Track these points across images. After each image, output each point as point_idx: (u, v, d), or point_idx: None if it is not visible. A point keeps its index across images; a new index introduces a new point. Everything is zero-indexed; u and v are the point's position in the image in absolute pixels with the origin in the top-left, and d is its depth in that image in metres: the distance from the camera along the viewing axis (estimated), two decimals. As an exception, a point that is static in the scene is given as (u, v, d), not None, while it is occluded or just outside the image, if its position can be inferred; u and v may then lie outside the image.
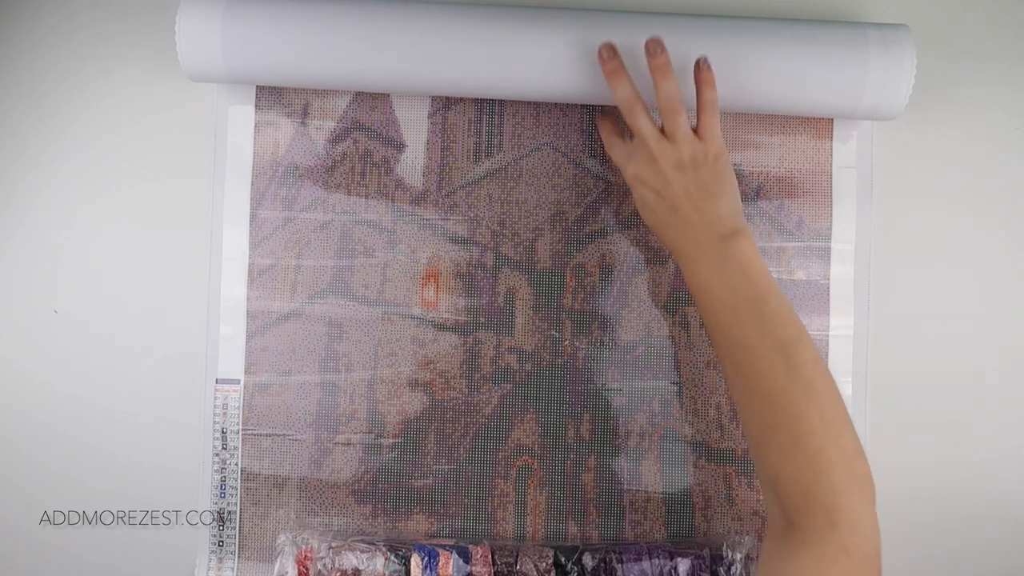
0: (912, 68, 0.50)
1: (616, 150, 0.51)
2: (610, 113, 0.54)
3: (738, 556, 0.53)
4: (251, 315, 0.56)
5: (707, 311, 0.47)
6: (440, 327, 0.56)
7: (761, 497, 0.55)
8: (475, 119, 0.56)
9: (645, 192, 0.49)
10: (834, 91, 0.51)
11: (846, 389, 0.56)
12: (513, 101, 0.56)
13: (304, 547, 0.53)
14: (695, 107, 0.49)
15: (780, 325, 0.45)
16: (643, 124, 0.48)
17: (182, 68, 0.51)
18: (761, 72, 0.50)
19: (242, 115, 0.56)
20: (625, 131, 0.51)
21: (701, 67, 0.48)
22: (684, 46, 0.49)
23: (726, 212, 0.47)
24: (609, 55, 0.48)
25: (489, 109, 0.56)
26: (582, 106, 0.56)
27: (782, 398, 0.43)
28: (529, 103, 0.56)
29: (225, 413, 0.56)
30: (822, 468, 0.42)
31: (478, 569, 0.52)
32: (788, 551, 0.42)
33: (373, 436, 0.56)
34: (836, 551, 0.41)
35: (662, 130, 0.48)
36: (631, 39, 0.49)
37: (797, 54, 0.50)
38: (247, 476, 0.56)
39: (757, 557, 0.52)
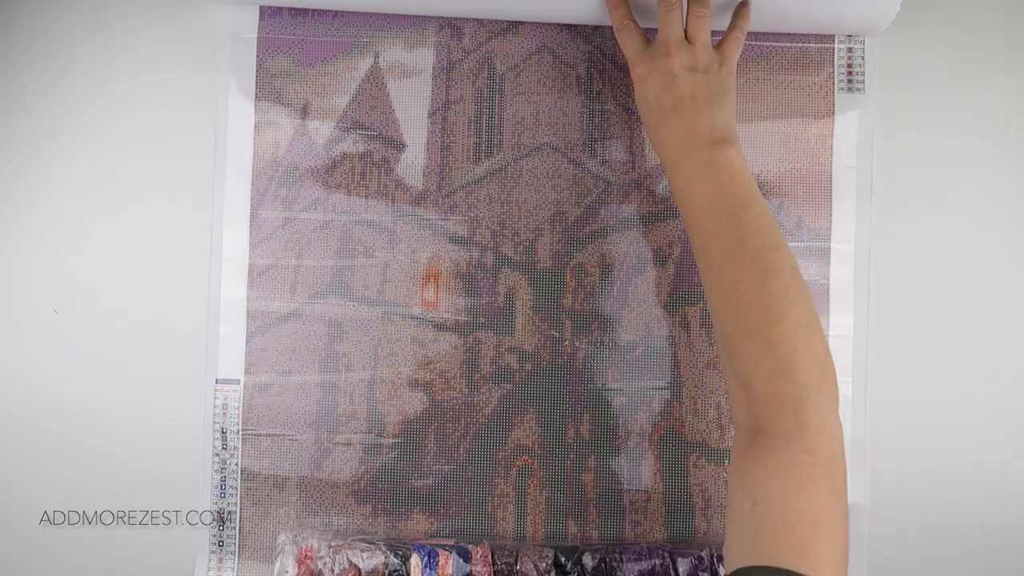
0: None
1: (629, 40, 0.51)
2: None
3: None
4: (251, 315, 0.56)
5: (690, 216, 0.48)
6: (440, 327, 0.56)
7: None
8: (475, 119, 0.56)
9: (651, 89, 0.49)
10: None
11: (846, 389, 0.56)
12: (513, 101, 0.56)
13: (304, 547, 0.53)
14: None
15: (760, 232, 0.45)
16: (674, 21, 0.49)
17: None
18: None
19: (242, 115, 0.56)
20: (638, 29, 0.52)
21: (743, 9, 0.51)
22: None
23: (722, 122, 0.48)
24: None
25: (489, 109, 0.57)
26: (582, 106, 0.56)
27: (757, 302, 0.44)
28: (529, 103, 0.56)
29: (225, 413, 0.56)
30: (793, 370, 0.42)
31: (478, 569, 0.52)
32: (756, 457, 0.43)
33: (373, 436, 0.56)
34: (803, 452, 0.41)
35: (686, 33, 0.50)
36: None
37: None
38: (247, 476, 0.56)
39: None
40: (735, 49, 0.51)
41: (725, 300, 0.45)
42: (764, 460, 0.42)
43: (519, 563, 0.53)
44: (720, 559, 0.53)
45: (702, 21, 0.49)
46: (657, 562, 0.53)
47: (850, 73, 0.57)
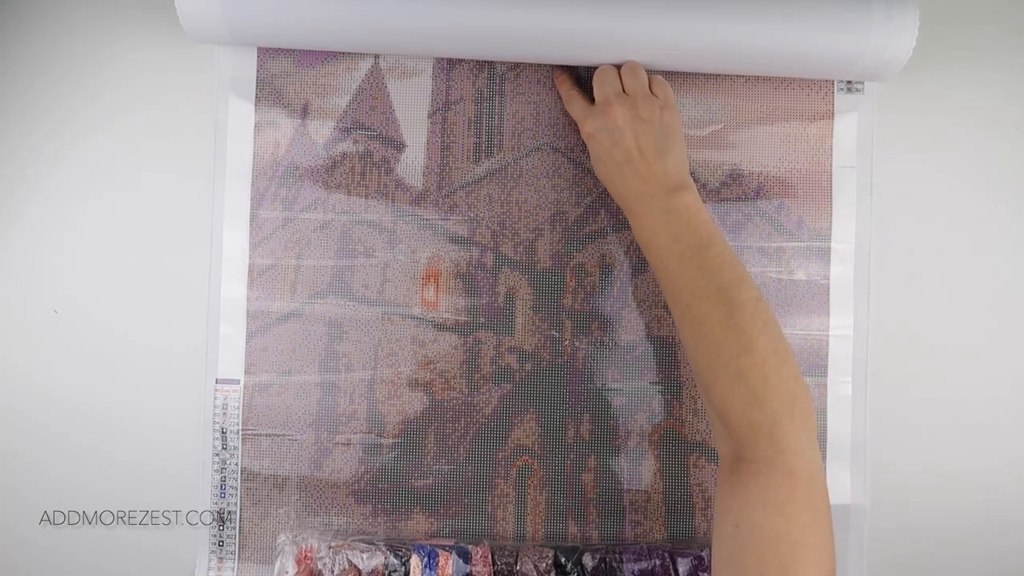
0: (916, 19, 0.50)
1: (576, 105, 0.54)
2: (567, 71, 0.55)
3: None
4: (251, 315, 0.56)
5: (655, 259, 0.50)
6: (440, 327, 0.56)
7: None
8: (475, 119, 0.56)
9: (600, 146, 0.51)
10: (838, 37, 0.51)
11: (846, 389, 0.56)
12: (513, 101, 0.56)
13: (304, 547, 0.53)
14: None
15: (723, 268, 0.47)
16: (608, 82, 0.51)
17: (181, 23, 0.50)
18: (763, 22, 0.51)
19: (242, 115, 0.56)
20: (584, 92, 0.54)
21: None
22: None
23: (673, 169, 0.50)
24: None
25: (489, 109, 0.57)
26: (582, 106, 0.56)
27: (725, 336, 0.45)
28: (529, 103, 0.56)
29: (225, 413, 0.56)
30: (764, 398, 0.44)
31: (478, 569, 0.52)
32: (738, 483, 0.44)
33: (373, 436, 0.56)
34: (782, 475, 0.42)
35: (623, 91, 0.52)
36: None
37: (801, 4, 0.51)
38: (247, 476, 0.56)
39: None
40: (666, 89, 0.52)
41: (695, 336, 0.47)
42: (746, 484, 0.43)
43: (519, 563, 0.53)
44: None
45: (634, 71, 0.51)
46: (657, 562, 0.53)
47: (850, 73, 0.57)
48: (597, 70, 0.52)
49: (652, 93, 0.51)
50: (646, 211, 0.49)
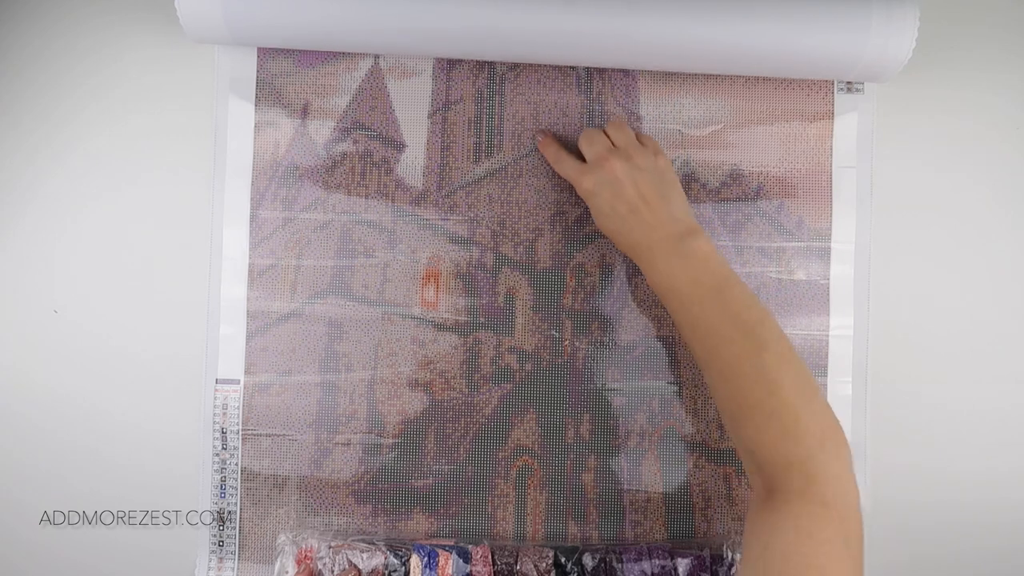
0: (915, 21, 0.50)
1: (566, 165, 0.53)
2: (548, 134, 0.55)
3: (738, 556, 0.53)
4: (251, 315, 0.56)
5: (676, 305, 0.49)
6: (440, 327, 0.56)
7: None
8: (475, 119, 0.56)
9: (602, 200, 0.51)
10: (837, 39, 0.51)
11: (846, 389, 0.56)
12: (513, 101, 0.56)
13: (304, 547, 0.53)
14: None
15: (744, 309, 0.47)
16: (597, 140, 0.52)
17: (181, 23, 0.50)
18: (763, 24, 0.50)
19: (242, 115, 0.56)
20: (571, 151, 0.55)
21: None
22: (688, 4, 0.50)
23: (680, 213, 0.50)
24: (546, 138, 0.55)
25: (489, 109, 0.57)
26: (582, 106, 0.56)
27: (754, 376, 0.45)
28: (529, 103, 0.56)
29: (225, 413, 0.56)
30: (797, 434, 0.44)
31: (478, 569, 0.52)
32: (770, 513, 0.44)
33: (373, 436, 0.56)
34: (815, 505, 0.42)
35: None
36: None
37: (800, 6, 0.50)
38: (247, 476, 0.56)
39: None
40: (652, 139, 0.53)
41: (724, 378, 0.47)
42: (778, 510, 0.43)
43: (519, 563, 0.53)
44: (720, 559, 0.53)
45: (620, 126, 0.52)
46: (657, 562, 0.53)
47: (850, 73, 0.57)
48: (583, 132, 0.53)
49: (640, 143, 0.52)
50: (660, 258, 0.49)
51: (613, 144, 0.52)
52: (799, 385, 0.45)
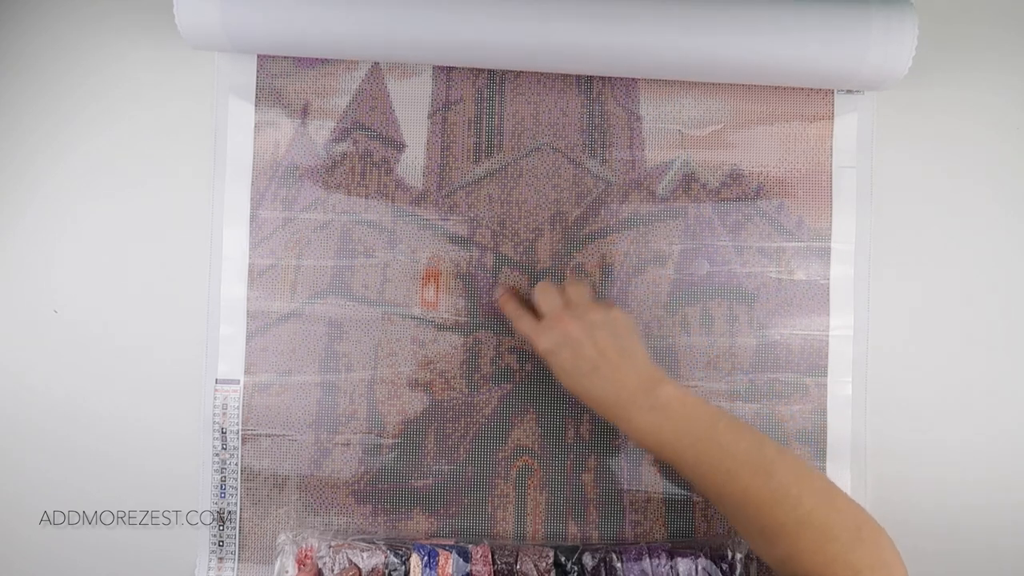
0: (914, 34, 0.50)
1: (525, 323, 0.52)
2: (509, 291, 0.54)
3: (738, 556, 0.53)
4: (251, 315, 0.56)
5: (670, 456, 0.48)
6: (440, 327, 0.56)
7: None
8: (475, 119, 0.57)
9: (562, 359, 0.49)
10: (837, 51, 0.51)
11: (846, 389, 0.56)
12: (513, 101, 0.56)
13: (304, 547, 0.53)
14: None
15: (739, 437, 0.47)
16: (551, 297, 0.51)
17: (180, 32, 0.50)
18: (763, 35, 0.50)
19: (242, 115, 0.56)
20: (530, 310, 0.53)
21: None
22: (689, 11, 0.50)
23: (642, 364, 0.49)
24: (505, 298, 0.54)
25: (489, 109, 0.57)
26: (582, 106, 0.56)
27: (773, 500, 0.45)
28: (529, 103, 0.56)
29: (225, 413, 0.56)
30: (832, 533, 0.44)
31: (478, 569, 0.52)
32: None
33: (373, 436, 0.56)
34: None
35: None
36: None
37: (800, 19, 0.50)
38: (247, 476, 0.56)
39: (757, 558, 0.52)
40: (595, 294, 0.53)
41: (742, 509, 0.46)
42: None
43: (519, 563, 0.53)
44: (720, 558, 0.53)
45: (575, 284, 0.51)
46: (657, 562, 0.53)
47: (850, 73, 0.57)
48: (536, 287, 0.52)
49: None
50: (637, 416, 0.48)
51: (567, 300, 0.51)
52: (818, 491, 0.45)
